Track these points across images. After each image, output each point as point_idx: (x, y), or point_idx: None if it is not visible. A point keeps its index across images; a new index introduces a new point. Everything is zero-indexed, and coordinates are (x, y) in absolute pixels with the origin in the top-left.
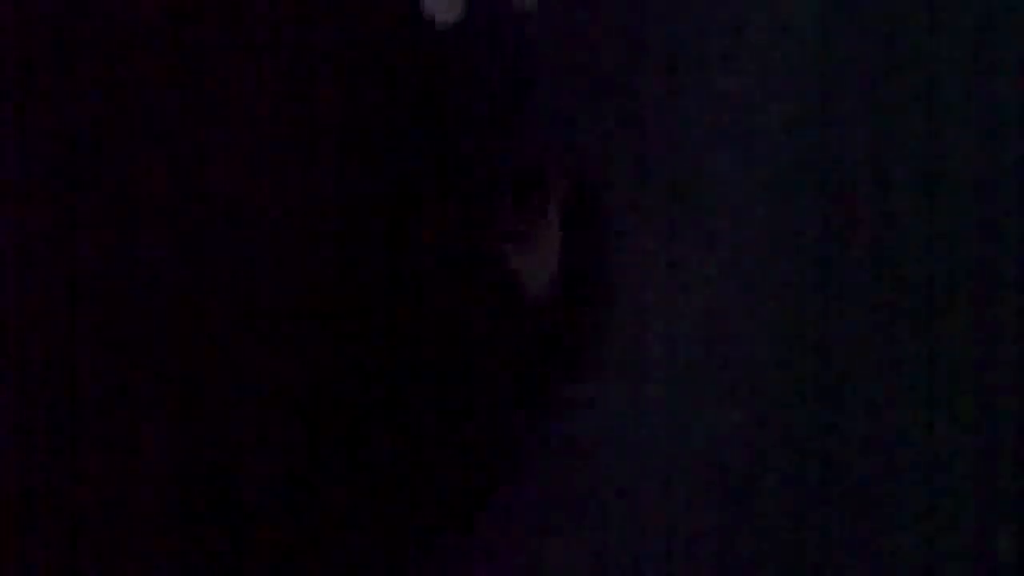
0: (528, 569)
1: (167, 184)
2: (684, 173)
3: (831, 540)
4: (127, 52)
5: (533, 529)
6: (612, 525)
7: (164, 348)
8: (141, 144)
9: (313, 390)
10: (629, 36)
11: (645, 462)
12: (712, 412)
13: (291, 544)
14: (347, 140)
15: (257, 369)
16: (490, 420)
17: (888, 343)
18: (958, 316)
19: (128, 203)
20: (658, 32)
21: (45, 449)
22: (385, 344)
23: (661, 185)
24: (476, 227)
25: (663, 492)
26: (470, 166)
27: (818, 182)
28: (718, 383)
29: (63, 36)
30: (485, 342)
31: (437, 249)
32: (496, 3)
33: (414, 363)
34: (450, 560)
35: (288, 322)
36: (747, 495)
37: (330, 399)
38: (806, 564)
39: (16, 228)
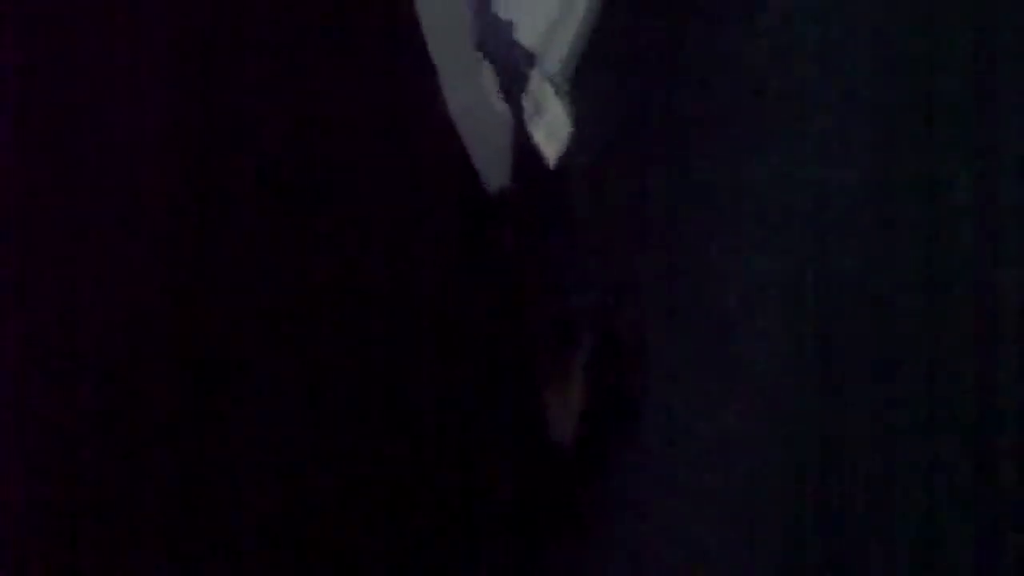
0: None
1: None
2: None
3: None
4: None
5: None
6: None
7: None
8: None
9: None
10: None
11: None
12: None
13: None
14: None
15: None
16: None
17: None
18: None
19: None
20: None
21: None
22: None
23: (690, 340)
24: (521, 370)
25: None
26: (520, 316)
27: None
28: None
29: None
30: (505, 482)
31: (482, 383)
32: (538, 164)
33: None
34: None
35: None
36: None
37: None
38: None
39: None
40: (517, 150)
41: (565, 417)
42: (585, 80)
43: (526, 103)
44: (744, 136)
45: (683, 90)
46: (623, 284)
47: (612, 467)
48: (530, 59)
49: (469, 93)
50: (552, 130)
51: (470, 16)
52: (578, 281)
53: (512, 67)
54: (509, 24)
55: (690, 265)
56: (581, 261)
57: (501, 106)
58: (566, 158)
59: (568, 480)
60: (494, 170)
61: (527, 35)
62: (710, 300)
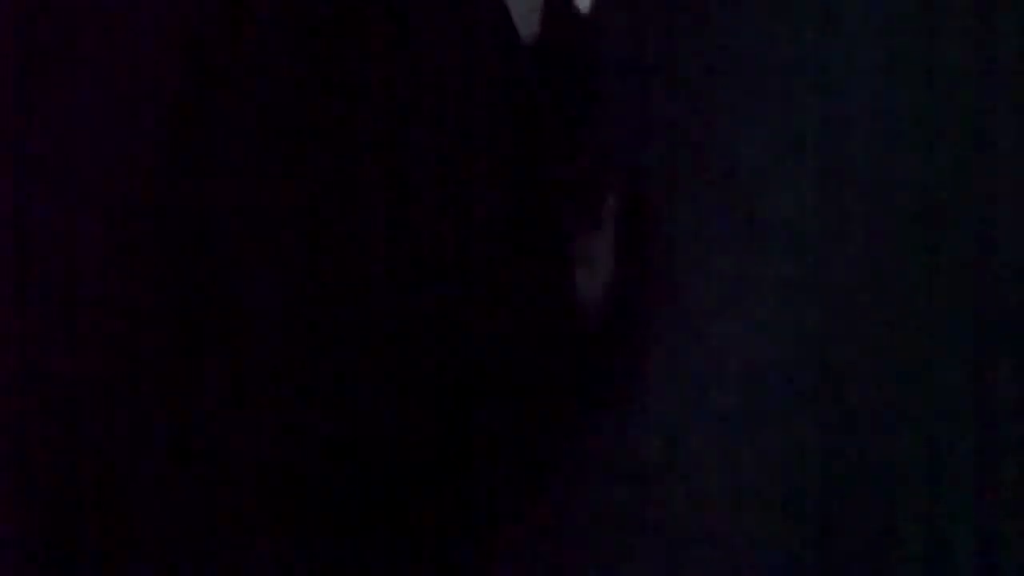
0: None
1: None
2: (741, 189)
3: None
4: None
5: (559, 541)
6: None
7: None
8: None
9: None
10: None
11: (692, 478)
12: (766, 428)
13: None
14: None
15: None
16: (531, 425)
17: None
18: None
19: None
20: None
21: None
22: (435, 334)
23: (715, 198)
24: (546, 229)
25: (713, 510)
26: (540, 173)
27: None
28: (771, 398)
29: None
30: (537, 343)
31: (504, 242)
32: (563, 14)
33: (460, 355)
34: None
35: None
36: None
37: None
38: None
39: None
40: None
41: (593, 275)
42: None
43: None
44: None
45: None
46: (650, 135)
47: (638, 339)
48: None
49: None
50: None
51: None
52: (606, 132)
53: None
54: None
55: (716, 121)
56: (610, 112)
57: None
58: (598, 8)
59: (594, 347)
60: (525, 15)
61: None
62: (735, 158)
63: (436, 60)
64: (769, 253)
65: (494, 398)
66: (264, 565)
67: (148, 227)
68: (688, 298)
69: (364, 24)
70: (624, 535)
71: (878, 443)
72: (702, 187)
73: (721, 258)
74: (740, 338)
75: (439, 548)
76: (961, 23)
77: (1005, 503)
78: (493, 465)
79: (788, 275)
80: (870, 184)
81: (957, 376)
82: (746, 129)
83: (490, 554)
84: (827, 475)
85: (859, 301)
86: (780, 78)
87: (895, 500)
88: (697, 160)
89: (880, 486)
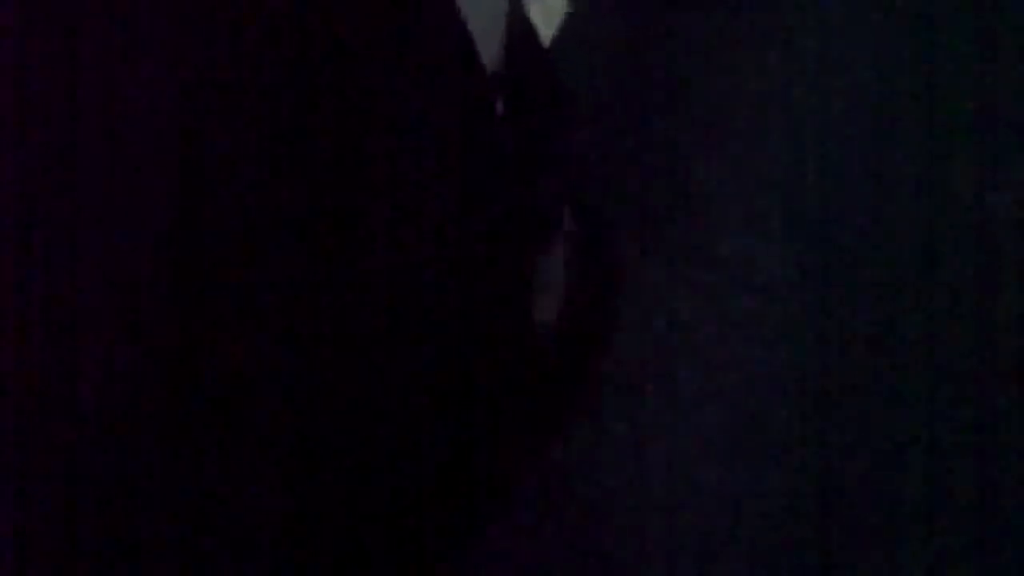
0: None
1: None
2: (695, 220)
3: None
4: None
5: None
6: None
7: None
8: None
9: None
10: (663, 85)
11: (643, 504)
12: (710, 460)
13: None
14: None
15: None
16: (490, 446)
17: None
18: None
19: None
20: (693, 81)
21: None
22: (394, 353)
23: (672, 228)
24: (506, 254)
25: (664, 535)
26: (505, 201)
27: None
28: (719, 434)
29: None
30: (494, 363)
31: (465, 268)
32: (531, 42)
33: (418, 373)
34: None
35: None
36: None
37: (332, 397)
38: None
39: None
40: (511, 23)
41: (549, 297)
42: None
43: None
44: (746, 58)
45: None
46: (614, 164)
47: (595, 351)
48: None
49: None
50: (548, 9)
51: None
52: (561, 158)
53: None
54: None
55: (680, 155)
56: (566, 139)
57: None
58: (559, 39)
59: (551, 367)
60: (487, 40)
61: None
62: (700, 195)
63: (392, 82)
64: (731, 290)
65: (455, 425)
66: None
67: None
68: (647, 341)
69: (328, 48)
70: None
71: (874, 477)
72: (665, 221)
73: (682, 297)
74: (709, 378)
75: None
76: (941, 62)
77: (1005, 530)
78: (460, 494)
79: (751, 313)
80: (840, 222)
81: (958, 412)
82: (710, 164)
83: None
84: (825, 507)
85: (830, 342)
86: (746, 113)
87: (894, 525)
88: (660, 195)
89: (880, 510)
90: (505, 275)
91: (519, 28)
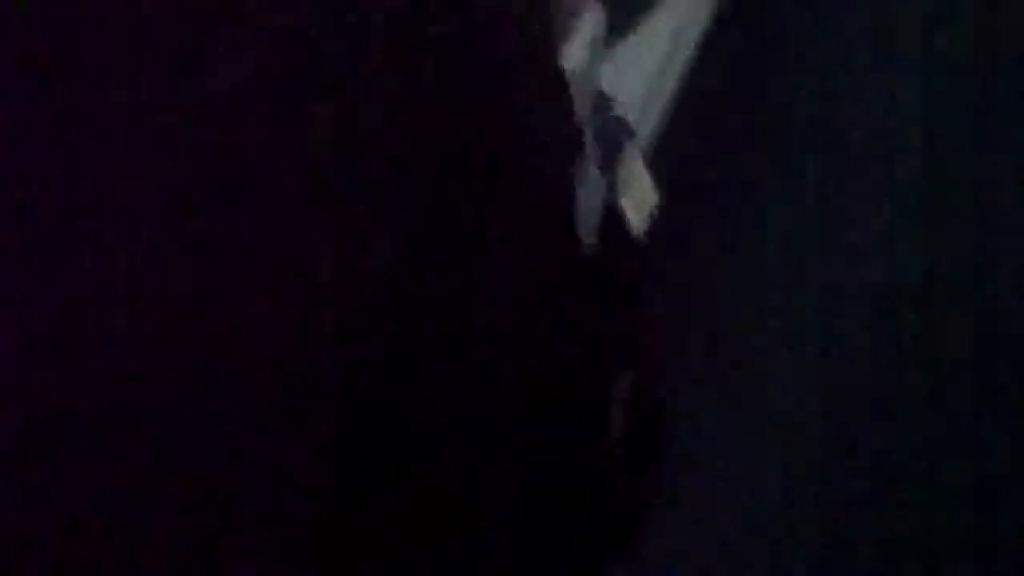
0: None
1: None
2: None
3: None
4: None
5: None
6: None
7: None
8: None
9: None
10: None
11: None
12: None
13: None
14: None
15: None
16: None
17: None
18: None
19: None
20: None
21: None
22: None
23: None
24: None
25: None
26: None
27: None
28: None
29: None
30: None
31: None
32: (622, 232)
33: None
34: None
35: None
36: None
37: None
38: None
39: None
40: (606, 215)
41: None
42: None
43: (619, 172)
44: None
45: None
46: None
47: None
48: (628, 131)
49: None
50: (640, 202)
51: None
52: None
53: (612, 138)
54: (612, 98)
55: (716, 287)
56: (639, 326)
57: (596, 173)
58: (651, 228)
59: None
60: (586, 230)
61: (625, 108)
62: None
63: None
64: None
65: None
66: None
67: None
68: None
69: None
70: None
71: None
72: (701, 364)
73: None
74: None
75: None
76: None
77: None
78: None
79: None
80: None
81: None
82: (746, 296)
83: None
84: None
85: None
86: (780, 242)
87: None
88: (697, 331)
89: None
90: (591, 398)
91: (613, 218)
